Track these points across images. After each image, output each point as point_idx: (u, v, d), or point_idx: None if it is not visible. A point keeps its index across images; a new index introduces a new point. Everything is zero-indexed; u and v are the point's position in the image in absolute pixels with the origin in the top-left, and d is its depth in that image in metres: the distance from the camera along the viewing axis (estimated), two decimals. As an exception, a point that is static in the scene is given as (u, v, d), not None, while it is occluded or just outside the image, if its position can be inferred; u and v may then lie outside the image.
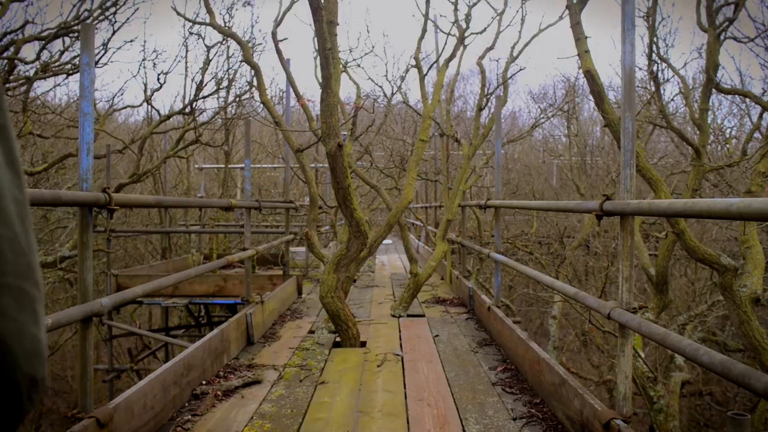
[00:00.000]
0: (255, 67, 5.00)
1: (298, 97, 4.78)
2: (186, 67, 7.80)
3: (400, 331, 5.06)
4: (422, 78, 5.87)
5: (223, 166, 10.91)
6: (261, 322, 4.92)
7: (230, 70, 8.90)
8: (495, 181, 4.96)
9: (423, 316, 5.80)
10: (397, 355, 4.26)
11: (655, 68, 5.59)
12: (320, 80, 4.09)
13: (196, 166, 13.02)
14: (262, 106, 5.91)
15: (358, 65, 7.63)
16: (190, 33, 7.87)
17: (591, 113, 21.89)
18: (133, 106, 7.87)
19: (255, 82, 4.96)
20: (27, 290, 0.51)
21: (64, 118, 7.49)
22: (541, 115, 9.90)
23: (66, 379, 14.60)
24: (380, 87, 11.62)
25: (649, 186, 4.37)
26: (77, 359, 2.29)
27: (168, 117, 7.20)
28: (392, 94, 8.80)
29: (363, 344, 4.62)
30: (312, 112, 5.68)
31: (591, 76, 4.15)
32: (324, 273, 4.46)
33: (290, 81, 5.02)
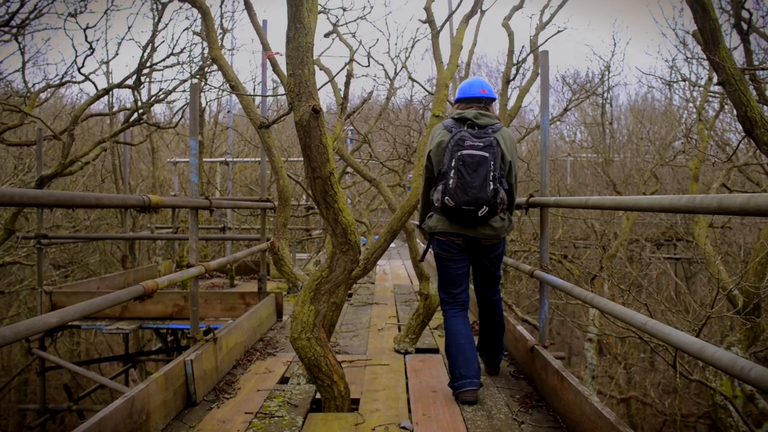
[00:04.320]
0: (201, 8, 3.58)
1: (265, 47, 3.39)
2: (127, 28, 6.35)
3: (407, 379, 3.64)
4: (436, 35, 4.44)
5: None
6: (212, 369, 3.49)
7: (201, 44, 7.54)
8: (542, 170, 3.51)
9: (437, 351, 4.37)
10: (404, 429, 2.83)
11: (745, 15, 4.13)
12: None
13: (169, 159, 11.55)
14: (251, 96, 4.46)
15: (353, 36, 6.19)
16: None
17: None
18: (73, 82, 6.38)
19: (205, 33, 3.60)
20: None
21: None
22: (574, 97, 8.49)
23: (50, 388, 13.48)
24: (381, 65, 10.15)
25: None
26: None
27: (107, 91, 5.74)
28: (395, 73, 7.38)
29: (354, 404, 3.20)
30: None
31: (701, 6, 2.71)
32: (297, 303, 3.02)
33: (257, 29, 3.61)
